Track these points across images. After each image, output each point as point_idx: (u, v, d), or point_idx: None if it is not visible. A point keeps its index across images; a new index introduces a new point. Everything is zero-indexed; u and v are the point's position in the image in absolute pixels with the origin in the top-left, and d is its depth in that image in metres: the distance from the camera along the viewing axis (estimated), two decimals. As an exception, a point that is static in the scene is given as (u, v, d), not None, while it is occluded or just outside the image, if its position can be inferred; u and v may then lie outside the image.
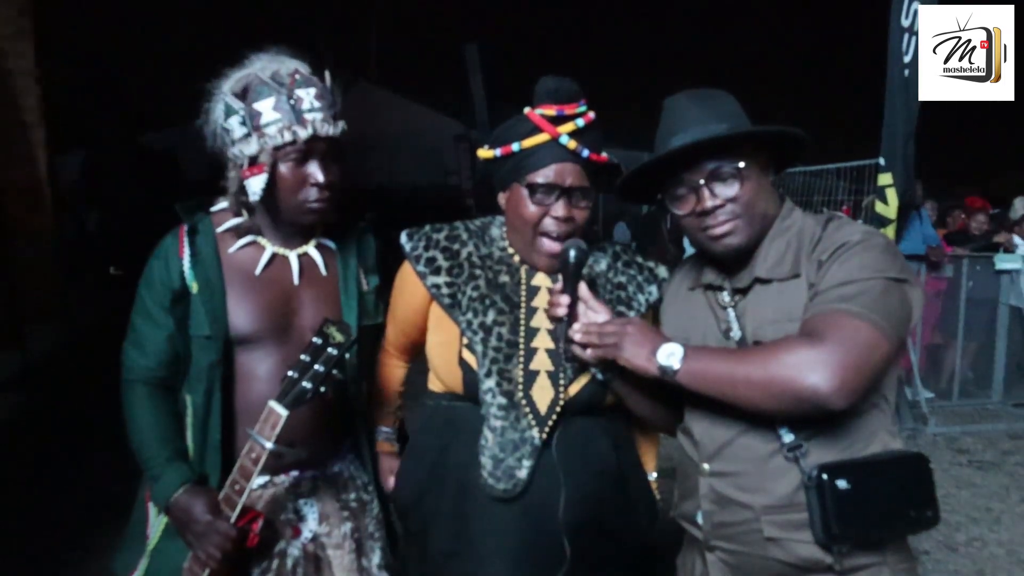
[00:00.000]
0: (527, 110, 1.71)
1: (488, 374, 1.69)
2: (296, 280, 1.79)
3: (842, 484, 1.38)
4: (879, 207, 5.09)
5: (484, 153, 1.78)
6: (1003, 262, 6.94)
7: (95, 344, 6.09)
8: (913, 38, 4.80)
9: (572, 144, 1.68)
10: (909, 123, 4.95)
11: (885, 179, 5.05)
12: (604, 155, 1.73)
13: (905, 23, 4.86)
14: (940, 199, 8.79)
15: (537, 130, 1.68)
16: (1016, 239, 7.55)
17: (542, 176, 1.68)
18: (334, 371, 1.56)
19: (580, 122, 1.69)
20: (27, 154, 6.84)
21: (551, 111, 1.68)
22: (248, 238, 1.77)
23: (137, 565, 1.75)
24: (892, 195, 5.00)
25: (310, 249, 1.83)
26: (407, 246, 1.80)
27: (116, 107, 13.73)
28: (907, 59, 4.87)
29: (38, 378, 5.96)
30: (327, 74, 1.73)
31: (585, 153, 1.69)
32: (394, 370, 2.00)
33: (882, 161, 5.09)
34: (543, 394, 1.70)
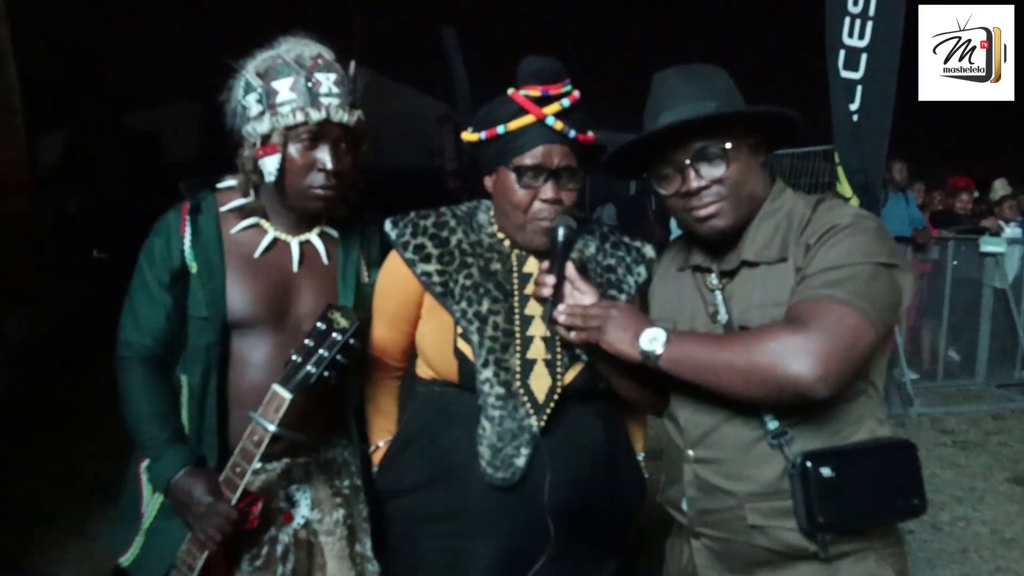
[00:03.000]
0: (511, 91, 1.66)
1: (485, 364, 1.66)
2: (296, 267, 1.76)
3: (826, 472, 1.36)
4: (839, 188, 5.15)
5: (468, 136, 1.73)
6: (988, 245, 6.98)
7: (77, 329, 6.06)
8: (869, 23, 4.81)
9: (558, 125, 1.63)
10: (853, 103, 4.97)
11: (838, 159, 5.11)
12: (590, 135, 1.69)
13: (855, 10, 4.88)
14: (927, 180, 8.82)
15: (522, 111, 1.63)
16: (1002, 223, 7.61)
17: (529, 158, 1.64)
18: (338, 357, 1.54)
19: (566, 102, 1.64)
20: (5, 136, 6.71)
21: (536, 92, 1.63)
22: (251, 220, 1.75)
23: (132, 543, 1.74)
24: (842, 175, 5.06)
25: (312, 237, 1.80)
26: (393, 233, 1.75)
27: (97, 87, 13.51)
28: (850, 41, 4.91)
29: (19, 363, 5.90)
30: (352, 64, 1.73)
31: (572, 133, 1.65)
32: (387, 383, 1.91)
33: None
34: (540, 382, 1.68)
